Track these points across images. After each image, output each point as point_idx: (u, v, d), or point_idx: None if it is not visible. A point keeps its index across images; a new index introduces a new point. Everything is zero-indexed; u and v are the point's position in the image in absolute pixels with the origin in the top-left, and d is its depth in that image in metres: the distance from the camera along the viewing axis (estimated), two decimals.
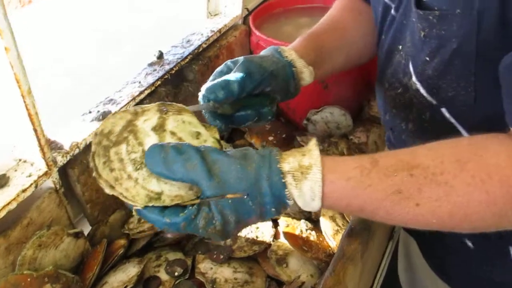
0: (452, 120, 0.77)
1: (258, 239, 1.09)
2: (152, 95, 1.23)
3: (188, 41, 1.39)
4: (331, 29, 0.98)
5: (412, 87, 0.80)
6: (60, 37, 1.27)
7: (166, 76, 1.26)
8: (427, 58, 0.74)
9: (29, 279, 0.93)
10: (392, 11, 0.85)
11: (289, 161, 0.62)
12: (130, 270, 1.04)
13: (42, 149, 0.97)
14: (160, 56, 1.31)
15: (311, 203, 0.62)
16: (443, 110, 0.77)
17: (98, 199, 1.13)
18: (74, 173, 1.07)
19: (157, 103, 0.76)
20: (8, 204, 0.92)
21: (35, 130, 0.93)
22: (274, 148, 0.64)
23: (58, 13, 1.24)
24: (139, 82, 1.23)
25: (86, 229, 1.15)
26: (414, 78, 0.79)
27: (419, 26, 0.73)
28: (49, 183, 1.03)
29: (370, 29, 0.98)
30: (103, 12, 1.35)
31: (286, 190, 0.61)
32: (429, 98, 0.78)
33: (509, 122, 0.62)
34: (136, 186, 0.65)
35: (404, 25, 0.80)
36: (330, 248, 1.03)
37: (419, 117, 0.83)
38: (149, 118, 0.73)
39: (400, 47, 0.82)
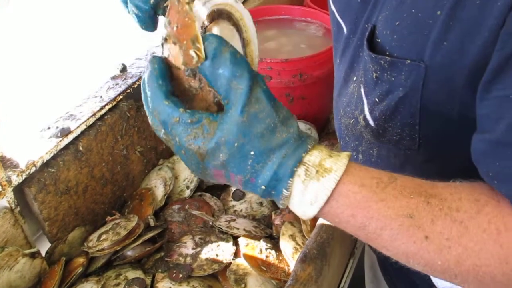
0: (396, 160, 0.77)
1: (218, 257, 1.08)
2: (113, 110, 1.21)
3: (153, 53, 1.37)
4: None
5: (362, 122, 0.79)
6: (19, 46, 1.25)
7: (128, 90, 1.24)
8: (377, 100, 0.73)
9: None
10: (345, 32, 0.82)
11: (312, 153, 0.56)
12: None
13: None
14: (124, 69, 1.30)
15: (307, 207, 0.56)
16: (388, 150, 0.77)
17: (56, 217, 1.12)
18: (31, 192, 1.05)
19: None
20: None
21: None
22: (314, 137, 0.58)
23: (20, 20, 1.21)
24: (101, 97, 1.21)
25: (46, 246, 1.14)
26: (364, 115, 0.78)
27: (371, 67, 0.72)
28: (3, 202, 1.01)
29: None
30: (66, 21, 1.33)
31: (291, 179, 0.55)
32: (376, 137, 0.78)
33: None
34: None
35: (360, 57, 0.78)
36: (289, 268, 1.03)
37: (368, 151, 0.83)
38: None
39: (355, 78, 0.80)
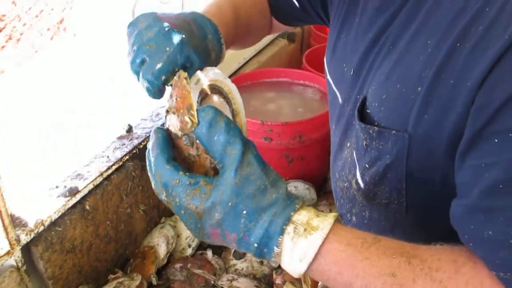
0: (386, 224, 0.81)
1: None
2: (119, 169, 1.25)
3: (157, 114, 1.43)
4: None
5: (355, 186, 0.84)
6: (29, 105, 1.29)
7: (134, 151, 1.29)
8: (367, 165, 0.78)
9: None
10: (340, 101, 0.88)
11: (301, 213, 0.60)
12: None
13: (5, 229, 0.97)
14: (129, 129, 1.35)
15: (296, 264, 0.59)
16: (379, 213, 0.82)
17: (61, 275, 1.13)
18: (38, 250, 1.07)
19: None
20: None
21: None
22: (301, 198, 0.62)
23: (30, 80, 1.27)
24: (107, 157, 1.25)
25: None
26: (357, 179, 0.83)
27: (361, 136, 0.78)
28: (11, 261, 1.02)
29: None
30: (74, 82, 1.39)
31: (281, 237, 0.59)
32: (367, 200, 0.82)
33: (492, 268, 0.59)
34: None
35: (353, 125, 0.84)
36: None
37: (361, 213, 0.87)
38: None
39: (348, 144, 0.86)
